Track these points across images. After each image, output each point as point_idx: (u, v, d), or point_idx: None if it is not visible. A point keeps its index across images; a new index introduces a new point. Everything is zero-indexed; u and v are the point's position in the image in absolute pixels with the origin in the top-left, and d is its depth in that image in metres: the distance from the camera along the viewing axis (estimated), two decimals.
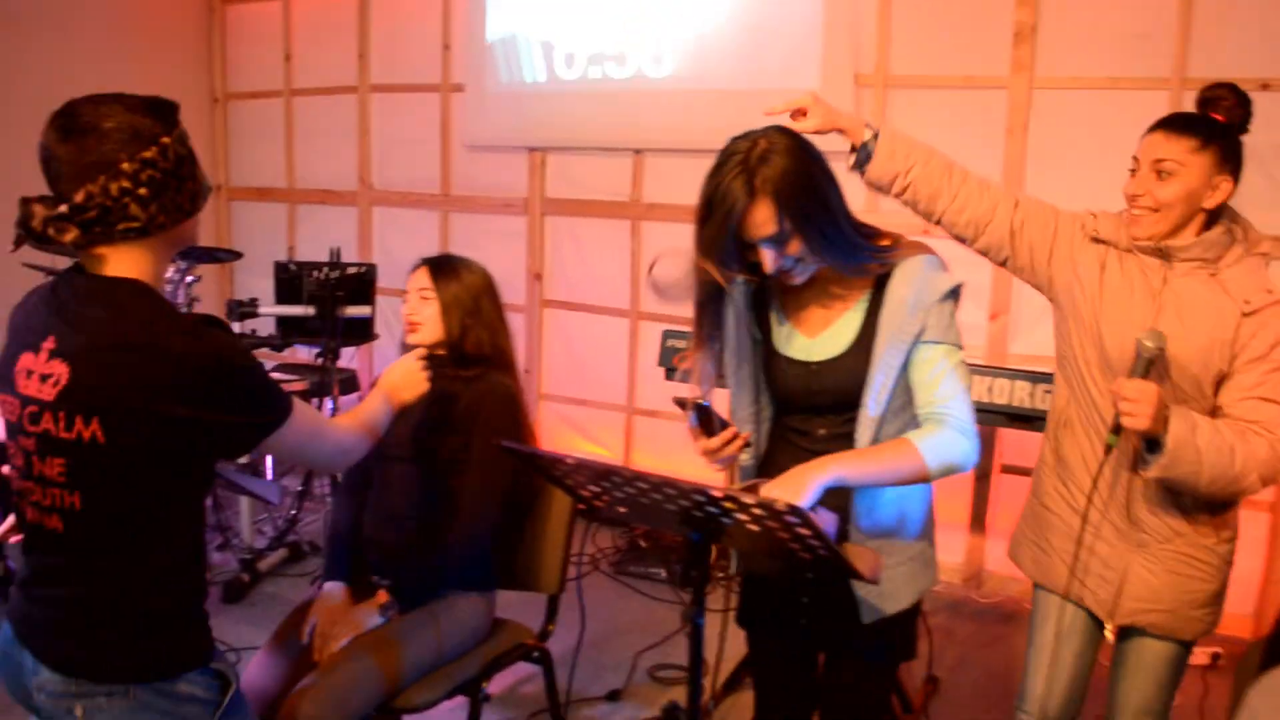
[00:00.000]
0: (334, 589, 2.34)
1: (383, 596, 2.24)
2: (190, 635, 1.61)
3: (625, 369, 4.64)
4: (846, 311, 1.82)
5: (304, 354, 5.05)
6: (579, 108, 4.51)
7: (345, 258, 3.94)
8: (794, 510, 1.40)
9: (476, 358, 2.39)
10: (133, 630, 1.54)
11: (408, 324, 2.41)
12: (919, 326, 1.74)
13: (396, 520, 2.35)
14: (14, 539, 1.73)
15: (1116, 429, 1.82)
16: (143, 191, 1.48)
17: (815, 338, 1.84)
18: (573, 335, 4.70)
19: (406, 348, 2.46)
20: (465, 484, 2.31)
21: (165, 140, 1.50)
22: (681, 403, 1.76)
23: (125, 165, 1.46)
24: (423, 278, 2.43)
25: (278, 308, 4.02)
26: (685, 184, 4.36)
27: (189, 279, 3.88)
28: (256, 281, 5.32)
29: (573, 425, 4.74)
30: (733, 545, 1.90)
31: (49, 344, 1.50)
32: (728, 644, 2.10)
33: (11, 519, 1.72)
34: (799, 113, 1.92)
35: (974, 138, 3.81)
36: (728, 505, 1.49)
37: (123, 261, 1.53)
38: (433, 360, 2.39)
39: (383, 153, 5.23)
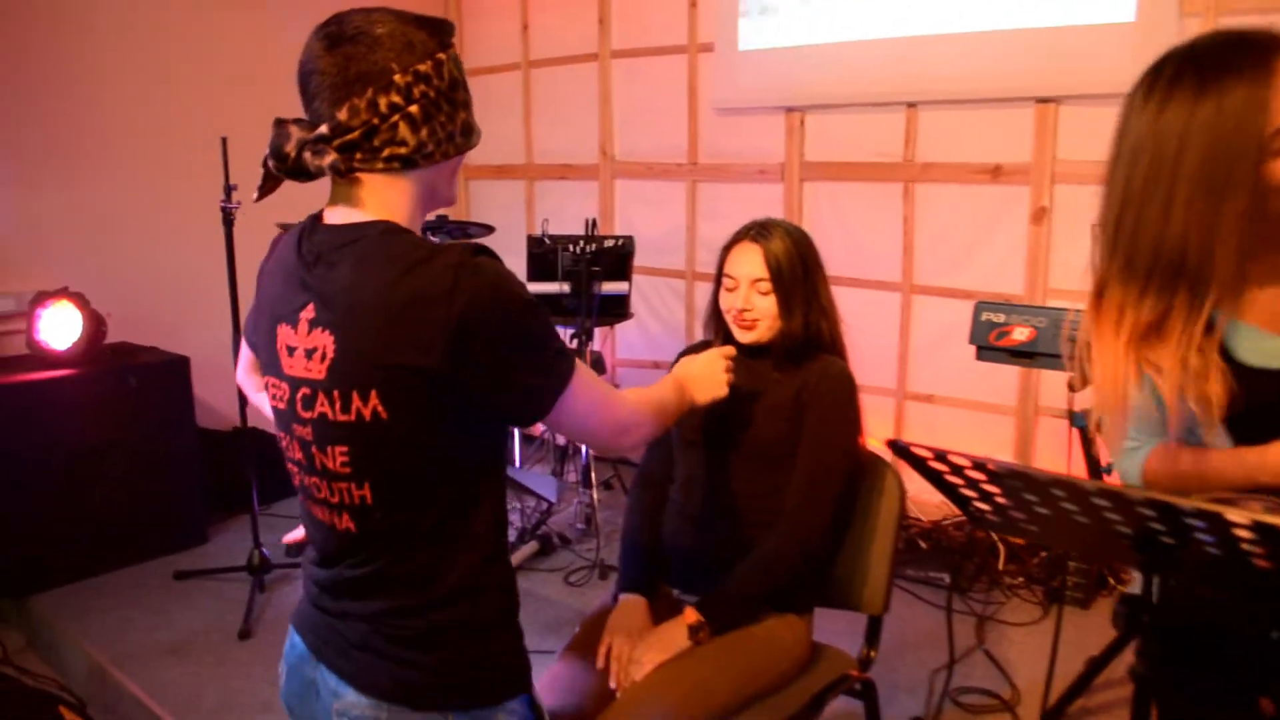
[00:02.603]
0: (632, 604, 2.01)
1: (691, 616, 1.89)
2: (511, 653, 1.37)
3: (895, 349, 4.17)
4: None
5: None
6: (843, 59, 4.05)
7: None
8: None
9: (815, 346, 2.03)
10: (451, 646, 1.32)
11: (738, 320, 2.03)
12: None
13: (704, 523, 2.00)
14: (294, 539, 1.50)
15: None
16: (414, 110, 1.25)
17: None
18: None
19: (709, 343, 2.11)
20: (793, 483, 1.95)
21: (441, 56, 1.28)
22: None
23: (398, 77, 1.24)
24: (755, 263, 2.01)
25: (531, 285, 3.78)
26: (967, 139, 3.92)
27: None
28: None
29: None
30: (1186, 577, 1.45)
31: (307, 313, 1.27)
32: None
33: (300, 530, 1.48)
34: None
35: None
36: (1243, 534, 1.05)
37: (379, 199, 1.29)
38: (756, 353, 2.04)
39: (625, 122, 4.94)
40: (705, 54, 4.52)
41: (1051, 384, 3.74)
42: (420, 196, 1.32)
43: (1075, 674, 2.80)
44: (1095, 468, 2.59)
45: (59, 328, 3.73)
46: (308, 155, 1.23)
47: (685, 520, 2.04)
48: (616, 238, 3.79)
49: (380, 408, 1.22)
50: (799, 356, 2.01)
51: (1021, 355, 2.62)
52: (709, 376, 1.72)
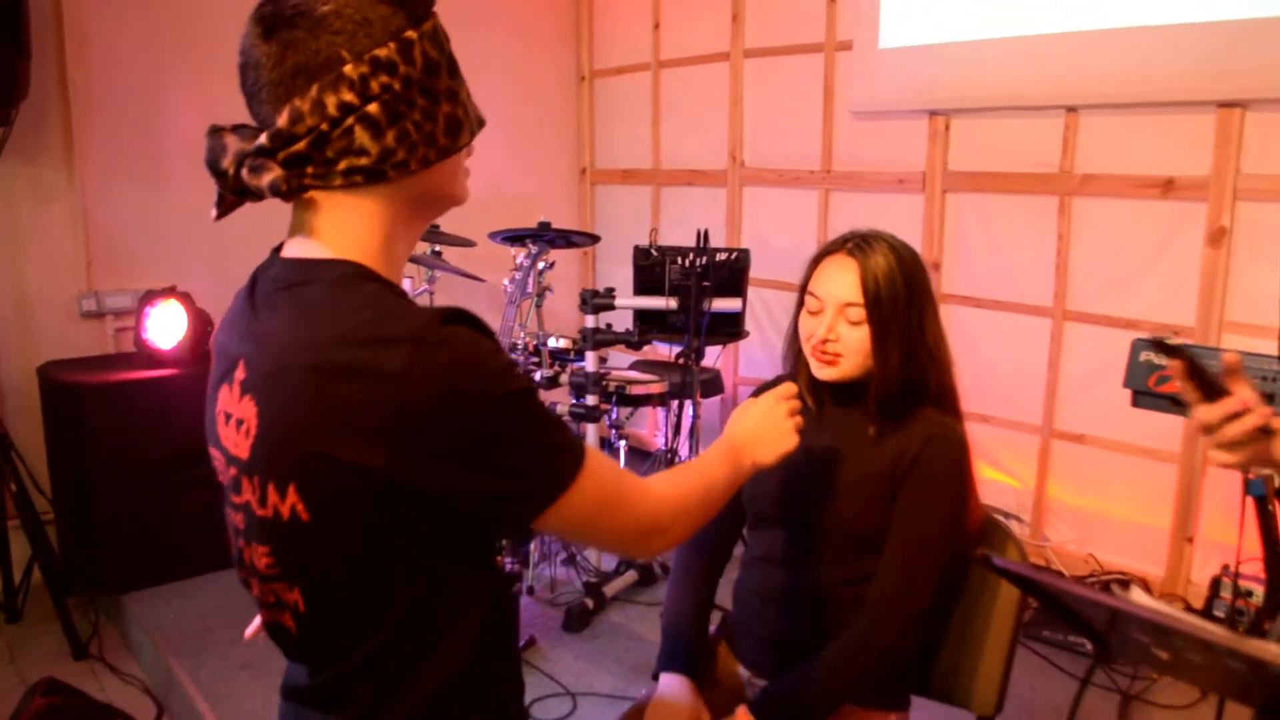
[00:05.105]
0: (673, 686, 1.69)
1: (743, 717, 1.56)
2: None
3: (1043, 380, 3.74)
4: None
5: (662, 348, 4.60)
6: (995, 57, 3.64)
7: (713, 244, 3.38)
8: None
9: (916, 396, 1.67)
10: None
11: (820, 353, 1.65)
12: None
13: (783, 610, 1.69)
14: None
15: None
16: (374, 109, 0.97)
17: None
18: (977, 337, 3.86)
19: (783, 378, 1.80)
20: (881, 569, 1.62)
21: (410, 35, 1.00)
22: (1164, 345, 1.25)
23: (349, 68, 0.96)
24: (849, 283, 1.61)
25: (635, 299, 3.52)
26: (1135, 148, 3.42)
27: (541, 265, 3.47)
28: (619, 269, 4.96)
29: (972, 446, 3.92)
30: None
31: (239, 372, 1.04)
32: None
33: (258, 620, 1.23)
34: None
35: None
36: None
37: (339, 225, 1.03)
38: (844, 397, 1.72)
39: (755, 126, 4.64)
40: (842, 52, 4.18)
41: None
42: (397, 216, 1.06)
43: None
44: (1272, 543, 2.17)
45: (165, 327, 3.70)
46: (245, 173, 0.98)
47: (761, 601, 1.73)
48: (730, 250, 3.49)
49: (300, 506, 0.97)
50: (899, 409, 1.66)
51: (1187, 405, 2.21)
52: (770, 429, 1.35)
